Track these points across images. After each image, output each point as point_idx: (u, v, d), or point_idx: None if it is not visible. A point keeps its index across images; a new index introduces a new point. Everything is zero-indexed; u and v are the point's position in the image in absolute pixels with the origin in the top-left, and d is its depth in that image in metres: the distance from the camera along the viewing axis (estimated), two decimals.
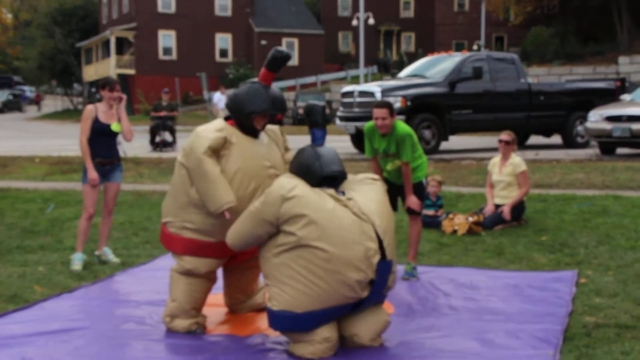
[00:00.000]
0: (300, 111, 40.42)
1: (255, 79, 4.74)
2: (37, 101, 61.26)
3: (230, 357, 4.22)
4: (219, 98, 27.05)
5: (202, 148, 4.49)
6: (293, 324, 4.18)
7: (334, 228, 4.09)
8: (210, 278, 4.86)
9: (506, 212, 8.07)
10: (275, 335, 4.55)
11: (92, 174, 6.49)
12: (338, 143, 20.32)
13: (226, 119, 4.82)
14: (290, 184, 4.19)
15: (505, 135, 8.44)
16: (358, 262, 4.11)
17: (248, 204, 4.48)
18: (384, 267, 4.25)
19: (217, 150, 4.55)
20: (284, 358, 4.22)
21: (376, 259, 4.20)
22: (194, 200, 4.63)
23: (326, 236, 4.07)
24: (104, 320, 4.98)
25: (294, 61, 52.67)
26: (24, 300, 5.45)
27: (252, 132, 4.69)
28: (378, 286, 4.26)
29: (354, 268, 4.10)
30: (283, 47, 4.72)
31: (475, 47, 47.46)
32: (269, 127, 4.90)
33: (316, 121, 4.62)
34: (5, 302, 5.38)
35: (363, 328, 4.32)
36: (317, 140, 4.59)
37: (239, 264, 5.11)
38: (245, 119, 4.63)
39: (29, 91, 68.80)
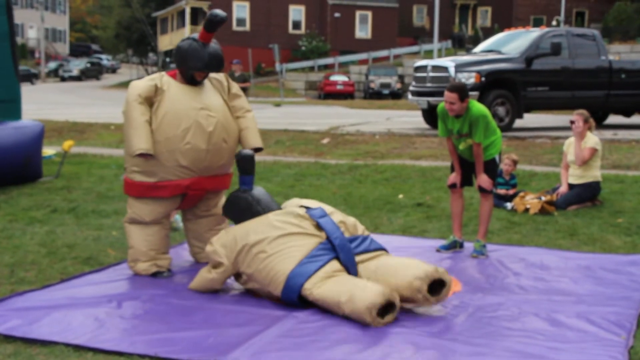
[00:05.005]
0: (373, 85, 40.17)
1: (197, 35, 5.19)
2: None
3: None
4: None
5: (133, 95, 5.03)
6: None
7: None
8: (158, 223, 5.30)
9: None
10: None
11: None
12: (410, 118, 20.11)
13: (166, 70, 5.16)
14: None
15: (575, 116, 8.17)
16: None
17: (180, 142, 5.03)
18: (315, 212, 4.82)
19: (150, 98, 5.06)
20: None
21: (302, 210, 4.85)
22: None
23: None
24: (173, 285, 5.08)
25: (367, 34, 52.30)
26: (98, 263, 5.61)
27: (192, 81, 5.21)
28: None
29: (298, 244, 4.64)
30: (219, 10, 5.16)
31: (554, 22, 46.07)
32: (214, 75, 5.41)
33: (246, 169, 5.08)
34: (81, 264, 5.55)
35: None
36: (247, 185, 5.07)
37: (195, 211, 5.54)
38: (186, 72, 5.16)
39: (105, 60, 70.26)
